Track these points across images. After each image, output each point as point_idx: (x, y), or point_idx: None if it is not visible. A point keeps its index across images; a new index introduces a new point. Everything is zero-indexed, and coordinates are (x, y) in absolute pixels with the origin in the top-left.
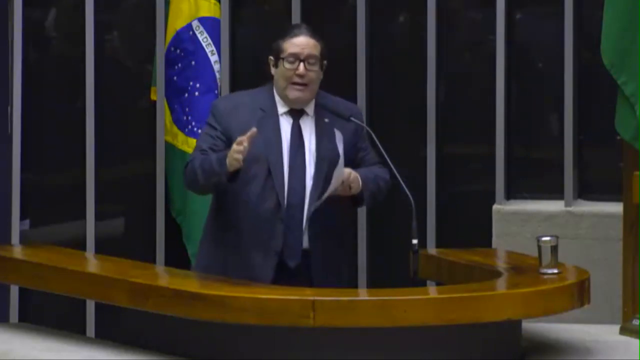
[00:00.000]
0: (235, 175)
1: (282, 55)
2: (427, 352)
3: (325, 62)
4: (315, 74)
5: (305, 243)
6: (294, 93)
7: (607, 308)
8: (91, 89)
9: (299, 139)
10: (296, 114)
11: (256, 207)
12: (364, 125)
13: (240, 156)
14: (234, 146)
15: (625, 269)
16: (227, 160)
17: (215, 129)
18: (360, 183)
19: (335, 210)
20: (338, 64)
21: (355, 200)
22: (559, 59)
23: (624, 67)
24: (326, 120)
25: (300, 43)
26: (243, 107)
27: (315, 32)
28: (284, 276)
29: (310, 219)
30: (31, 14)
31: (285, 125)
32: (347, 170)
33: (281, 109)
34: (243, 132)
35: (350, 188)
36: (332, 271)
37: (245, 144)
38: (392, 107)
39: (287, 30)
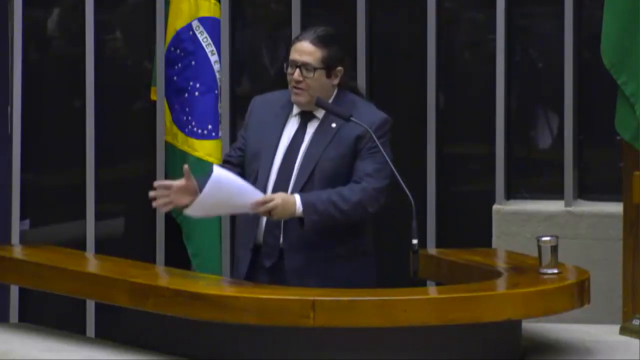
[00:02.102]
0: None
1: (286, 60)
2: (427, 352)
3: (338, 68)
4: (312, 80)
5: (282, 243)
6: (293, 97)
7: (607, 308)
8: (91, 89)
9: (298, 141)
10: (306, 116)
11: None
12: (364, 125)
13: (155, 204)
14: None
15: (625, 269)
16: None
17: (243, 126)
18: (300, 208)
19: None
20: None
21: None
22: (559, 59)
23: (624, 67)
24: (333, 125)
25: (299, 49)
26: (269, 105)
27: (324, 37)
28: (258, 274)
29: (287, 220)
30: (31, 14)
31: (294, 126)
32: (270, 197)
33: (295, 109)
34: (255, 126)
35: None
36: (310, 276)
37: (164, 186)
38: (392, 107)
39: (297, 35)
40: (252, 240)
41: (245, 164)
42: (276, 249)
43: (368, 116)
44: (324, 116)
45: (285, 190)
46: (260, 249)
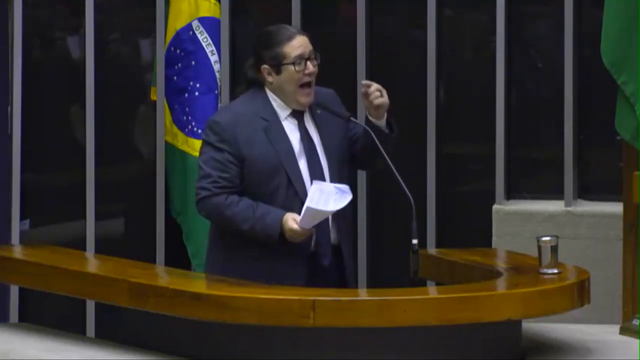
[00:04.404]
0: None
1: (286, 61)
2: (427, 352)
3: None
4: (316, 67)
5: (334, 239)
6: (305, 98)
7: (607, 308)
8: (91, 89)
9: (309, 139)
10: (298, 114)
11: None
12: (364, 125)
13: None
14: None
15: (625, 269)
16: (287, 234)
17: (220, 150)
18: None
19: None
20: (338, 64)
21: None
22: (559, 59)
23: (624, 67)
24: (318, 111)
25: (300, 43)
26: (243, 119)
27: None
28: (316, 279)
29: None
30: (31, 14)
31: (292, 128)
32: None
33: (283, 113)
34: (250, 145)
35: (381, 94)
36: (354, 264)
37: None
38: (392, 107)
39: (277, 35)
40: (308, 247)
41: (254, 184)
42: (328, 246)
43: (324, 93)
44: (308, 107)
45: None
46: (313, 254)
